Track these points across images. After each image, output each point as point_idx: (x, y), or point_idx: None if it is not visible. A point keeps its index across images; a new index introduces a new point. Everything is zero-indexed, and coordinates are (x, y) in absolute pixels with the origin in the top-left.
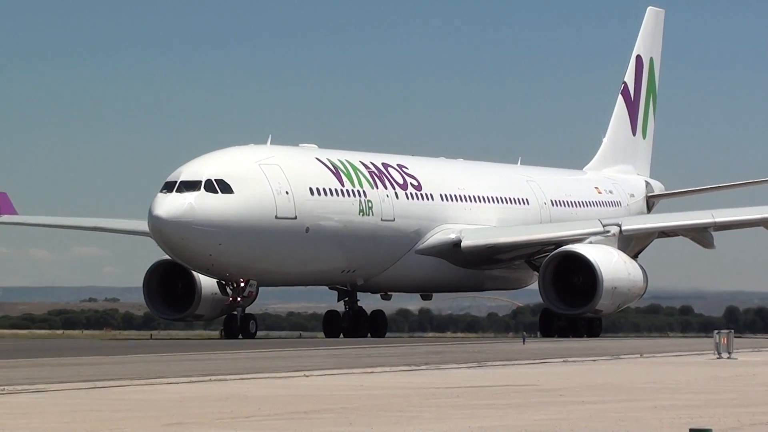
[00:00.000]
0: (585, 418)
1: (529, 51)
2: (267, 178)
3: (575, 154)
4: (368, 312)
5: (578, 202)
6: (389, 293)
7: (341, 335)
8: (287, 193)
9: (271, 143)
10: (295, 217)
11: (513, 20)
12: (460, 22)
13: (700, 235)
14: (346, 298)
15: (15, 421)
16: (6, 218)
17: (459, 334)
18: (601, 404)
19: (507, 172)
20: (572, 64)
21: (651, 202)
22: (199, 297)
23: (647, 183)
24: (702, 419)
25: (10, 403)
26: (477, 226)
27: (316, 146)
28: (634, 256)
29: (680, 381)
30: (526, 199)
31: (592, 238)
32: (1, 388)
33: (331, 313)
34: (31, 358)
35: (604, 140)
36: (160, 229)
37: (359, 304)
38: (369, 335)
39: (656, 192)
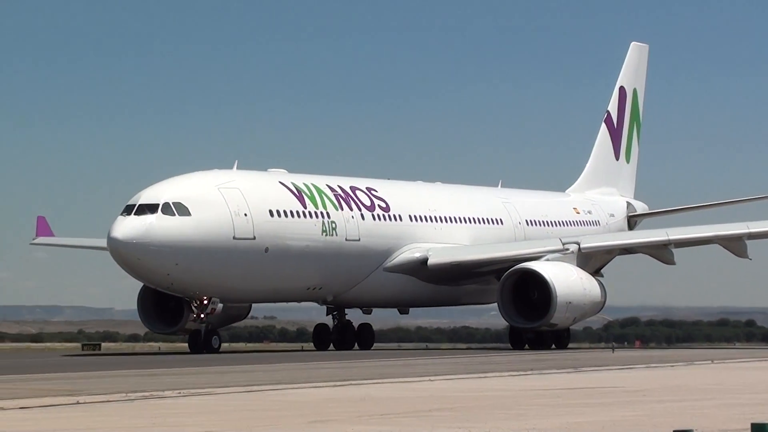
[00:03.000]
0: (663, 414)
1: (516, 80)
2: (225, 201)
3: (560, 178)
4: (356, 325)
5: (555, 221)
6: (369, 308)
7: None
8: (246, 215)
9: (237, 168)
10: (254, 238)
11: (500, 47)
12: (443, 43)
13: (660, 252)
14: (335, 313)
15: (191, 419)
16: (41, 240)
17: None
18: (677, 402)
19: (483, 194)
20: (558, 93)
21: (633, 222)
22: (187, 313)
23: (629, 204)
24: (764, 415)
25: (184, 404)
26: (447, 245)
27: (285, 171)
28: (596, 272)
29: (745, 383)
30: (500, 219)
31: (550, 256)
32: (178, 391)
33: (321, 327)
34: (199, 366)
35: (587, 164)
36: (118, 250)
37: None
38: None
39: (638, 212)
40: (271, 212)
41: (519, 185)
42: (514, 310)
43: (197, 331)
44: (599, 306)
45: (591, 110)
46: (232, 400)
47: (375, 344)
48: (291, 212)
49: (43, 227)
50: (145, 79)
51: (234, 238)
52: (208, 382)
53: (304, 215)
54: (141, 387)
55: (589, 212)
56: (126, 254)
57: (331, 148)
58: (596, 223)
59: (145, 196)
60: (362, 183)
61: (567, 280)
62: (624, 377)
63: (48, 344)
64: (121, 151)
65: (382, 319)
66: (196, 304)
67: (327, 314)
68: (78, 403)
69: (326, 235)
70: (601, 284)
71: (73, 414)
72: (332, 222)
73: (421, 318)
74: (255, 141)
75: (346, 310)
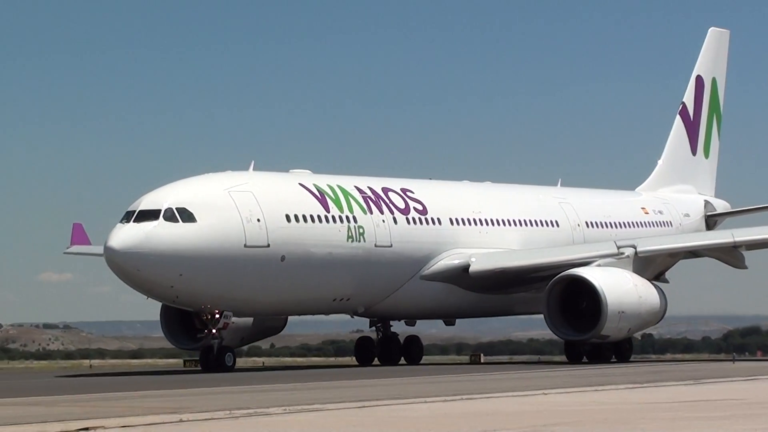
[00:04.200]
0: None
1: (580, 69)
2: (236, 206)
3: (629, 175)
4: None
5: (619, 223)
6: (413, 319)
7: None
8: (259, 220)
9: (254, 169)
10: (268, 245)
11: (560, 33)
12: (494, 30)
13: (728, 255)
14: (378, 325)
15: None
16: (75, 248)
17: (678, 356)
18: None
19: (538, 194)
20: (628, 84)
21: (713, 222)
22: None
23: (707, 202)
24: None
25: (292, 421)
26: (492, 250)
27: (309, 172)
28: (657, 277)
29: None
30: (556, 221)
31: (602, 261)
32: (284, 408)
33: (364, 340)
34: (306, 382)
35: (660, 161)
36: (115, 261)
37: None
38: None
39: (718, 211)
40: (288, 217)
41: (581, 184)
42: (561, 321)
43: (209, 347)
44: (658, 315)
45: (664, 102)
46: (343, 417)
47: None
48: (311, 217)
49: (79, 235)
50: (164, 78)
51: (245, 245)
52: (316, 398)
53: (327, 220)
54: (245, 403)
55: (660, 212)
56: (124, 265)
57: (362, 147)
58: (668, 223)
59: (146, 202)
60: (396, 184)
61: (619, 287)
62: (745, 389)
63: (149, 360)
64: (153, 153)
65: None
66: (206, 318)
67: (370, 326)
68: (181, 421)
69: (352, 241)
70: (660, 291)
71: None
72: (359, 227)
73: (458, 329)
74: (276, 140)
75: (392, 323)
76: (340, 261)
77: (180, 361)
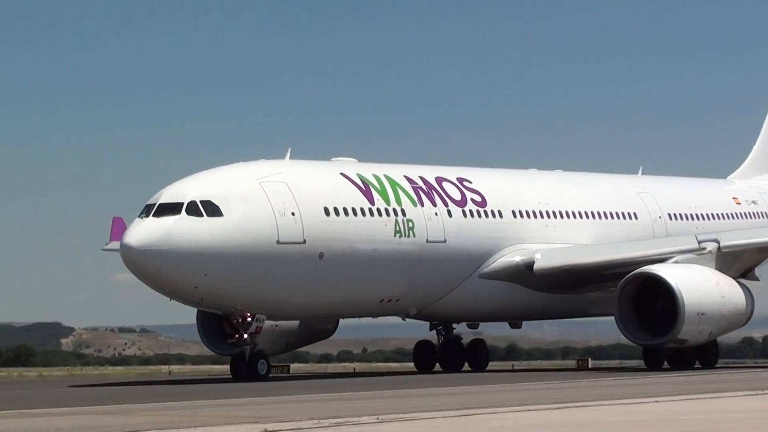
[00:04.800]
0: None
1: (664, 49)
2: (268, 198)
3: (721, 163)
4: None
5: (707, 215)
6: (473, 322)
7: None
8: (293, 214)
9: (290, 157)
10: (304, 241)
11: (641, 10)
12: (567, 9)
13: None
14: (440, 327)
15: None
16: (114, 245)
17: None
18: None
19: (615, 184)
20: (717, 64)
21: None
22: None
23: None
24: None
25: (387, 431)
26: (560, 245)
27: (354, 160)
28: (745, 275)
29: None
30: (634, 213)
31: (680, 257)
32: (376, 417)
33: (423, 344)
34: (397, 389)
35: (755, 146)
36: (132, 260)
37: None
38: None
39: None
40: (326, 210)
41: (666, 172)
42: (635, 324)
43: (240, 354)
44: (744, 317)
45: (759, 83)
46: (440, 427)
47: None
48: (353, 210)
49: (119, 230)
50: (196, 59)
51: (278, 242)
52: (410, 406)
53: (371, 213)
54: (334, 412)
55: (754, 202)
56: (142, 264)
57: (414, 132)
58: (763, 215)
59: (167, 194)
60: (452, 173)
61: (699, 285)
62: None
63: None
64: (186, 142)
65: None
66: (237, 322)
67: (430, 329)
68: (266, 431)
69: (400, 236)
70: (747, 290)
71: None
72: (408, 221)
73: (565, 332)
74: (317, 125)
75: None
76: (387, 258)
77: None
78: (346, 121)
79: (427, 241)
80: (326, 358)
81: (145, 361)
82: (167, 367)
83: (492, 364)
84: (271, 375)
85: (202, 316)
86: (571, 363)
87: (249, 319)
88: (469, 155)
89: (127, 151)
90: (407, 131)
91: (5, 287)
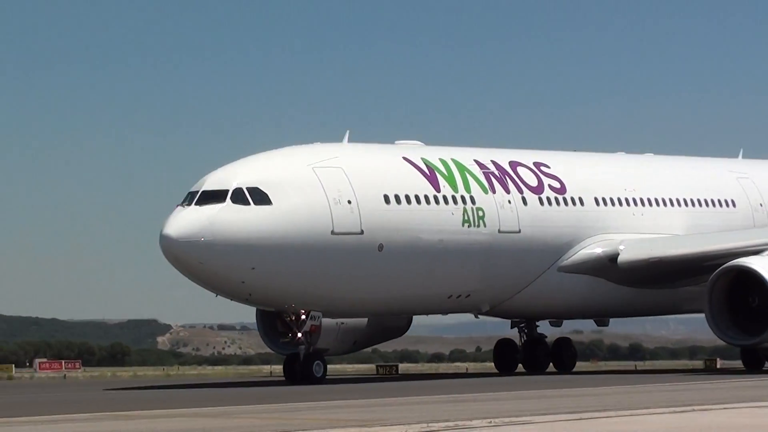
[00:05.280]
0: None
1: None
2: (321, 184)
3: None
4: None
5: None
6: (554, 319)
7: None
8: (350, 202)
9: (349, 140)
10: (361, 232)
11: None
12: None
13: None
14: (522, 325)
15: None
16: None
17: None
18: None
19: (711, 168)
20: None
21: None
22: (319, 327)
23: None
24: None
25: None
26: (648, 236)
27: (420, 143)
28: None
29: None
30: (731, 200)
31: None
32: (489, 420)
33: (504, 342)
34: (512, 390)
35: None
36: (172, 252)
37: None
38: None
39: None
40: (386, 198)
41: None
42: (728, 321)
43: (294, 355)
44: None
45: None
46: (560, 430)
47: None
48: (417, 197)
49: None
50: (251, 36)
51: (333, 232)
52: (523, 409)
53: (437, 201)
54: (444, 415)
55: None
56: (183, 257)
57: (486, 113)
58: None
59: (211, 181)
60: (528, 156)
61: None
62: None
63: (336, 366)
64: (241, 125)
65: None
66: (290, 320)
67: (512, 327)
68: None
69: (469, 226)
70: None
71: None
72: (478, 209)
73: (693, 330)
74: (380, 106)
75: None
76: (455, 250)
77: (372, 366)
78: (411, 101)
79: (500, 231)
80: (437, 358)
81: (246, 360)
82: (269, 367)
83: (612, 364)
84: (326, 377)
85: (261, 312)
86: (699, 363)
87: (303, 317)
88: (548, 138)
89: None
90: (478, 112)
91: (98, 283)
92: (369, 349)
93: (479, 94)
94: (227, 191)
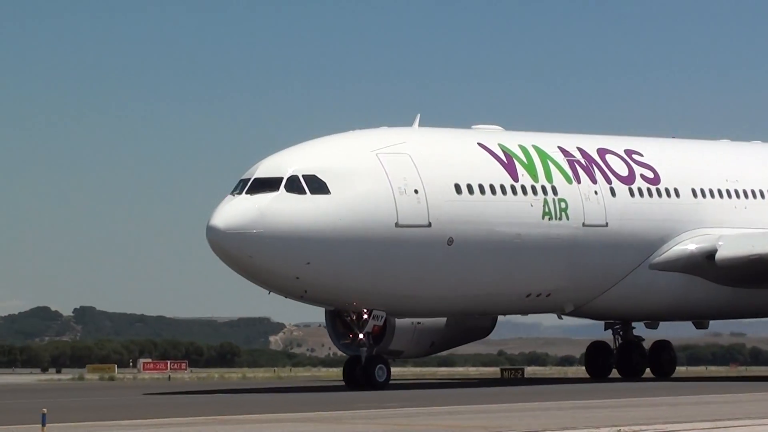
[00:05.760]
0: None
1: None
2: (386, 172)
3: None
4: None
5: None
6: (650, 321)
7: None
8: (416, 191)
9: (420, 124)
10: (429, 224)
11: None
12: None
13: None
14: (617, 326)
15: None
16: None
17: None
18: None
19: None
20: None
21: None
22: (392, 328)
23: None
24: None
25: None
26: (751, 231)
27: (499, 128)
28: None
29: None
30: None
31: None
32: (617, 428)
33: (598, 345)
34: (643, 396)
35: None
36: (219, 245)
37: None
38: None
39: None
40: (458, 187)
41: None
42: None
43: (355, 357)
44: None
45: None
46: None
47: None
48: (492, 187)
49: None
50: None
51: (397, 224)
52: (655, 416)
53: (514, 191)
54: (571, 423)
55: None
56: (231, 250)
57: (573, 95)
58: None
59: (264, 167)
60: (618, 143)
61: None
62: None
63: (460, 369)
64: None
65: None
66: (351, 320)
67: (605, 329)
68: None
69: (550, 218)
70: None
71: None
72: (560, 200)
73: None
74: (456, 89)
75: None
76: (533, 246)
77: (497, 369)
78: (491, 82)
79: (584, 224)
80: (567, 361)
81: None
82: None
83: (755, 370)
84: (388, 380)
85: (332, 316)
86: None
87: (365, 316)
88: (641, 123)
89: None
90: (565, 94)
91: (206, 279)
92: (494, 351)
93: (567, 75)
94: (281, 179)
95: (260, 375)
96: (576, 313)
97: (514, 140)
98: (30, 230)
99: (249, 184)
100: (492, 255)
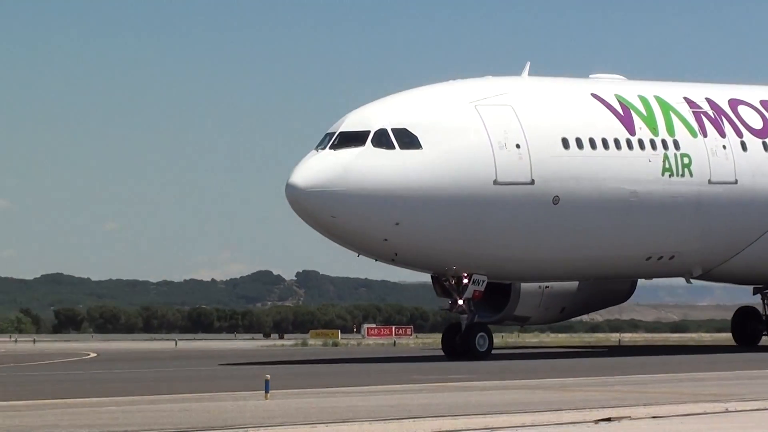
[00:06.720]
0: None
1: None
2: (485, 125)
3: None
4: None
5: None
6: None
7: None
8: (518, 146)
9: (530, 73)
10: (532, 182)
11: None
12: None
13: None
14: (766, 291)
15: None
16: None
17: None
18: None
19: None
20: None
21: None
22: (518, 292)
23: None
24: None
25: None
26: None
27: (620, 77)
28: None
29: None
30: None
31: None
32: None
33: (745, 311)
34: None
35: None
36: (300, 204)
37: None
38: None
39: None
40: (565, 142)
41: None
42: None
43: (454, 325)
44: None
45: None
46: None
47: None
48: (604, 141)
49: None
50: None
51: (496, 182)
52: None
53: (630, 145)
54: None
55: None
56: (312, 210)
57: (705, 41)
58: None
59: (350, 121)
60: (753, 93)
61: None
62: None
63: (693, 335)
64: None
65: None
66: (449, 285)
67: (753, 294)
68: (727, 411)
69: (671, 175)
70: None
71: (713, 425)
72: (683, 155)
73: None
74: (575, 35)
75: None
76: (652, 204)
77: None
78: (613, 28)
79: (710, 181)
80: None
81: (594, 327)
82: (617, 334)
83: None
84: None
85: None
86: None
87: (465, 281)
88: None
89: None
90: (697, 42)
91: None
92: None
93: (698, 21)
94: (368, 132)
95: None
96: (706, 276)
97: (634, 90)
98: (251, 193)
99: (334, 139)
100: (603, 215)
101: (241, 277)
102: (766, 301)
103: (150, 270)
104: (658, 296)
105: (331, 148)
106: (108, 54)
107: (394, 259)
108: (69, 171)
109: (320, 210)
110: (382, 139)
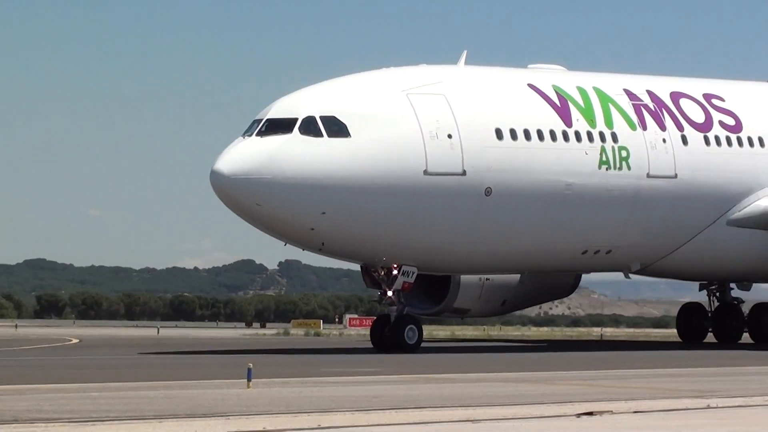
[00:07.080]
0: None
1: None
2: (416, 114)
3: None
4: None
5: None
6: (747, 283)
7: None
8: (450, 136)
9: (466, 63)
10: (463, 173)
11: None
12: None
13: None
14: (712, 287)
15: None
16: None
17: None
18: None
19: None
20: None
21: None
22: (457, 284)
23: None
24: None
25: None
26: None
27: (560, 68)
28: None
29: None
30: None
31: None
32: None
33: (690, 307)
34: None
35: None
36: (224, 191)
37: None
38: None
39: None
40: (498, 132)
41: None
42: None
43: (383, 317)
44: None
45: None
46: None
47: None
48: (539, 133)
49: None
50: None
51: (426, 172)
52: None
53: (566, 137)
54: None
55: None
56: (236, 197)
57: (645, 33)
58: None
59: (278, 108)
60: (696, 86)
61: None
62: None
63: (673, 330)
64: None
65: None
66: (379, 276)
67: (700, 290)
68: (708, 407)
69: (608, 168)
70: None
71: (695, 421)
72: (621, 148)
73: None
74: (513, 25)
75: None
76: (587, 197)
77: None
78: (552, 18)
79: (649, 175)
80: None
81: (575, 322)
82: (599, 329)
83: None
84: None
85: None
86: None
87: (395, 272)
88: (726, 63)
89: None
90: (639, 32)
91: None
92: None
93: (643, 13)
94: (296, 120)
95: (469, 333)
96: (646, 272)
97: (573, 81)
98: None
99: (261, 126)
100: (537, 207)
101: (223, 265)
102: (712, 298)
103: (133, 257)
104: (640, 292)
105: (257, 135)
106: (88, 41)
107: (321, 249)
108: (53, 156)
109: (245, 198)
110: (309, 127)
